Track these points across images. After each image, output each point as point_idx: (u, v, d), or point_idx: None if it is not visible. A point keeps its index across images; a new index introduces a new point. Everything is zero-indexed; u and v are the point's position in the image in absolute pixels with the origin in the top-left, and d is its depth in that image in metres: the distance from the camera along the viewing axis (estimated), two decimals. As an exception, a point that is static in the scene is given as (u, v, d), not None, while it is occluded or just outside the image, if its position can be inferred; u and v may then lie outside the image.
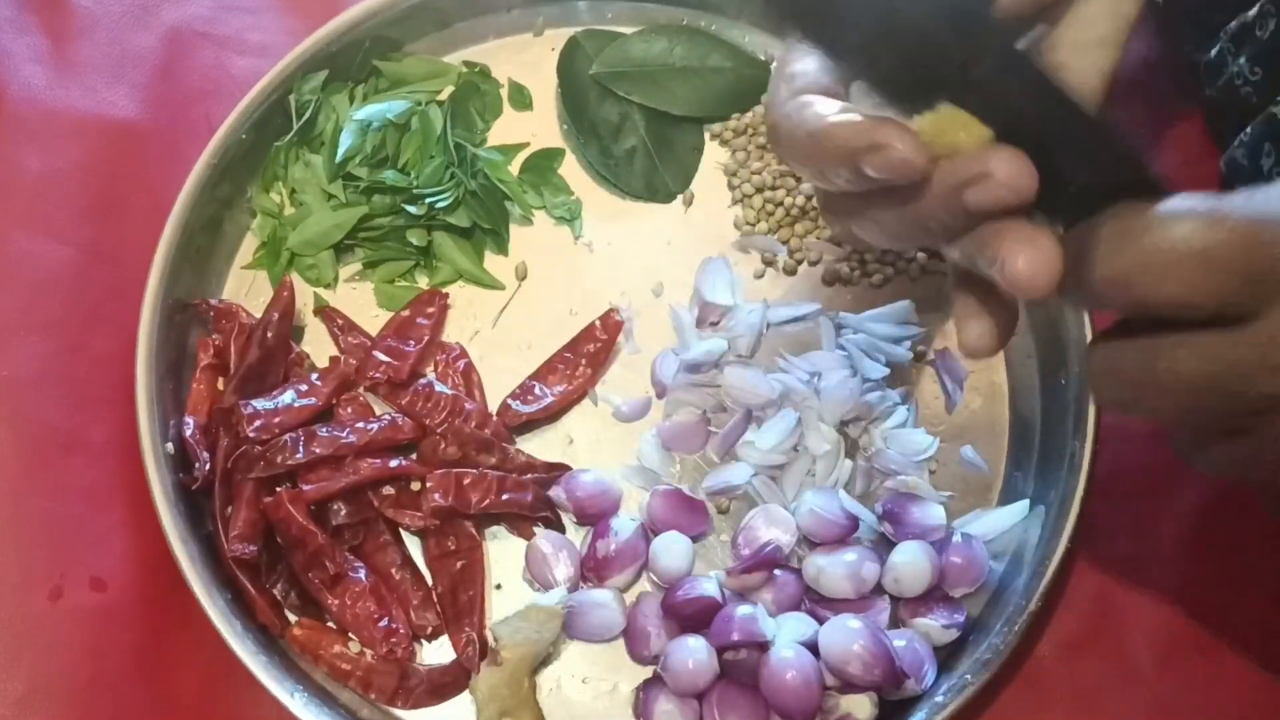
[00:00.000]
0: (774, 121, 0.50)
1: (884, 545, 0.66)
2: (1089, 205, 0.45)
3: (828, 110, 0.47)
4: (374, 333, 0.73)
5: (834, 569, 0.64)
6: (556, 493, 0.68)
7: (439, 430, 0.69)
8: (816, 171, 0.49)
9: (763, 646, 0.62)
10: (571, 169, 0.78)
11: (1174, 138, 0.76)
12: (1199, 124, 0.76)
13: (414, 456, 0.69)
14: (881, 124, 0.44)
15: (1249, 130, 0.68)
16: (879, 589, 0.65)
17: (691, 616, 0.64)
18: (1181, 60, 0.75)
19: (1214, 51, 0.72)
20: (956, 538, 0.65)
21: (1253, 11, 0.69)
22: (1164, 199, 0.42)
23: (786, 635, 0.63)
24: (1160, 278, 0.41)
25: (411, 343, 0.71)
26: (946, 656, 0.65)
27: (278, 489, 0.66)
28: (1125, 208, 0.43)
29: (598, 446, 0.71)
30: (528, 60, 0.80)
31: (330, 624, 0.66)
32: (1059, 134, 0.45)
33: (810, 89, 0.49)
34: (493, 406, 0.71)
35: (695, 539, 0.67)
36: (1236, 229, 0.40)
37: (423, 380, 0.70)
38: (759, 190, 0.76)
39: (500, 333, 0.74)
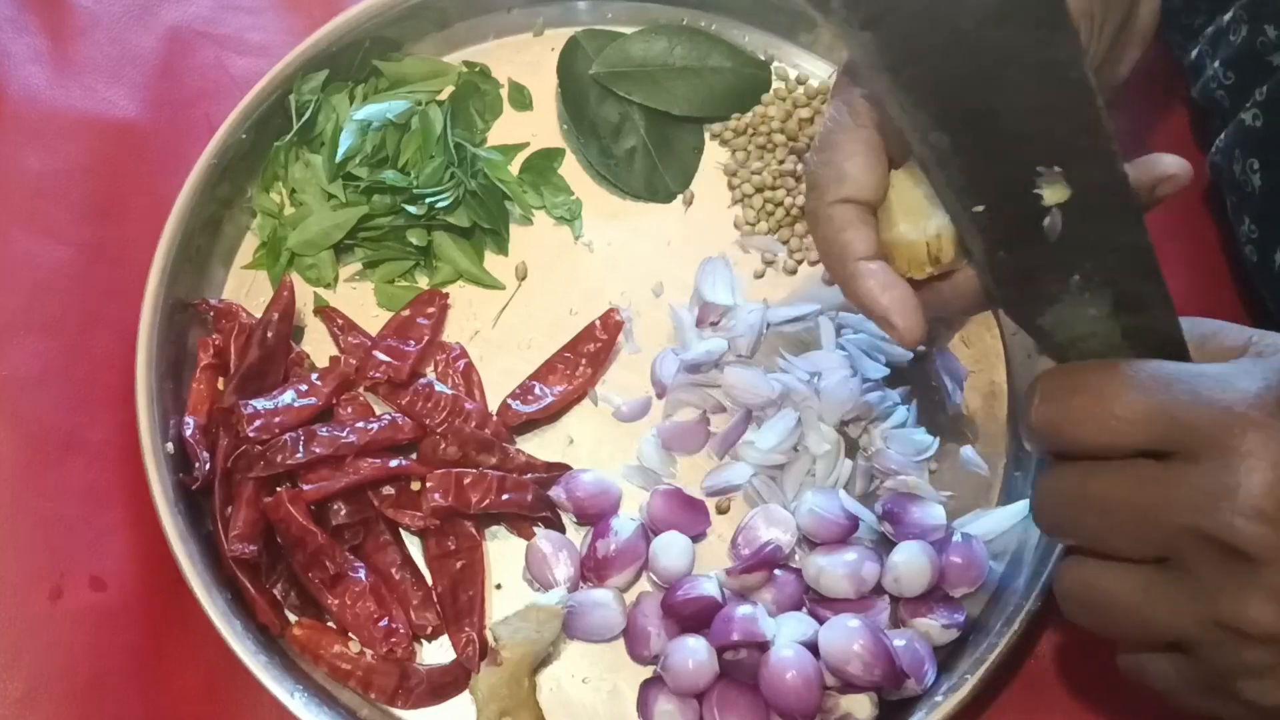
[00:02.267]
0: (814, 215, 0.52)
1: (884, 545, 0.66)
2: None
3: (860, 249, 0.50)
4: (374, 333, 0.73)
5: (834, 569, 0.64)
6: (556, 493, 0.68)
7: (439, 430, 0.69)
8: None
9: (763, 646, 0.62)
10: (571, 169, 0.78)
11: (1163, 136, 0.77)
12: (1188, 122, 0.76)
13: (414, 456, 0.69)
14: (891, 302, 0.49)
15: (1223, 136, 0.68)
16: (879, 589, 0.65)
17: (691, 616, 0.64)
18: (1170, 59, 0.75)
19: (1194, 53, 0.73)
20: (956, 538, 0.65)
21: (1227, 16, 0.69)
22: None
23: (786, 635, 0.63)
24: (1080, 426, 0.45)
25: (411, 343, 0.71)
26: (946, 656, 0.65)
27: (278, 489, 0.66)
28: (1068, 365, 0.47)
29: (598, 446, 0.71)
30: (528, 60, 0.80)
31: (330, 624, 0.66)
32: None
33: (855, 197, 0.50)
34: (493, 406, 0.71)
35: (695, 539, 0.67)
36: (1141, 396, 0.43)
37: (423, 380, 0.70)
38: (759, 190, 0.76)
39: (500, 333, 0.74)
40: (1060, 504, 0.47)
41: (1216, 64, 0.70)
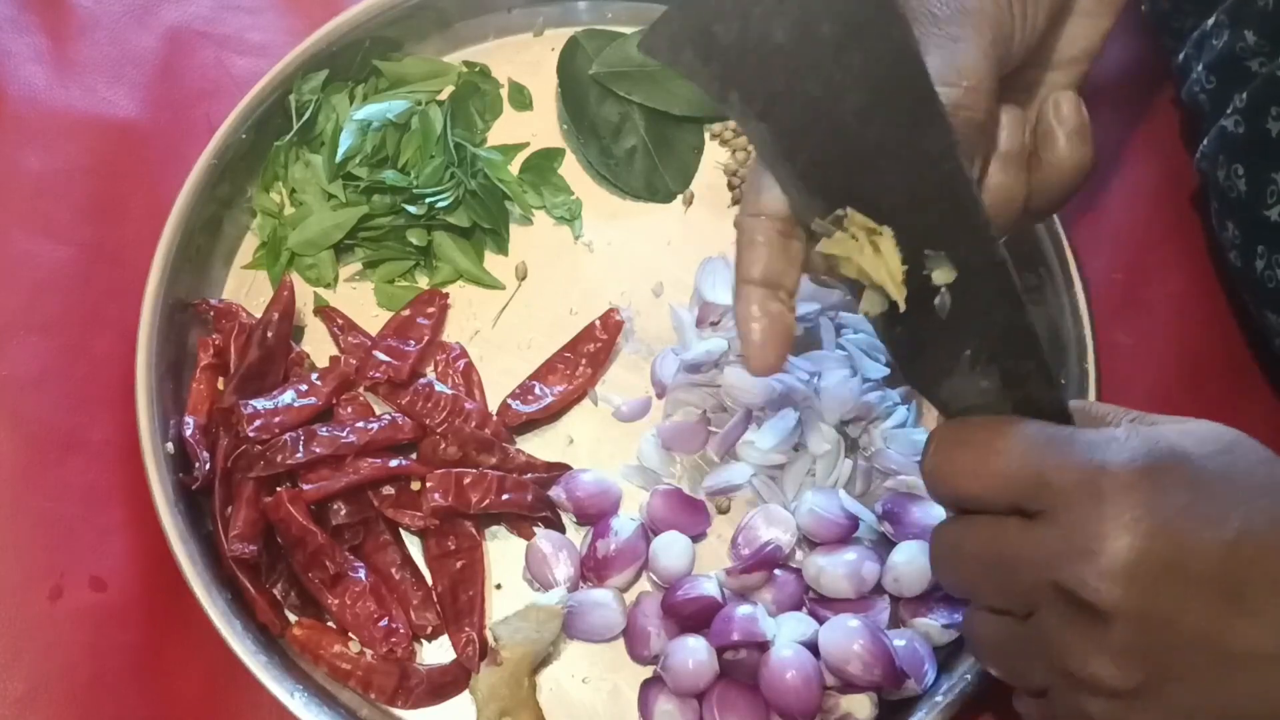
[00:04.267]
0: (736, 221, 0.53)
1: (884, 545, 0.66)
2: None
3: (749, 271, 0.51)
4: (374, 333, 0.73)
5: (834, 569, 0.64)
6: (556, 493, 0.68)
7: (439, 430, 0.69)
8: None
9: (763, 646, 0.62)
10: (571, 169, 0.78)
11: (1154, 137, 0.77)
12: (1178, 123, 0.76)
13: (414, 456, 0.69)
14: (753, 331, 0.51)
15: (1207, 140, 0.68)
16: (879, 589, 0.65)
17: (691, 616, 0.64)
18: (1163, 60, 0.75)
19: (1181, 56, 0.73)
20: (956, 538, 0.65)
21: (1210, 20, 0.69)
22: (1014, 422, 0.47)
23: (786, 635, 0.63)
24: (960, 477, 0.47)
25: (411, 343, 0.71)
26: (946, 656, 0.65)
27: (278, 489, 0.66)
28: (961, 421, 0.49)
29: (598, 446, 0.71)
30: (528, 60, 0.80)
31: (330, 624, 0.66)
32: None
33: (766, 211, 0.51)
34: (493, 406, 0.71)
35: (695, 539, 0.67)
36: (1016, 454, 0.46)
37: (423, 380, 0.70)
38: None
39: (500, 333, 0.74)
40: (943, 554, 0.49)
41: (1200, 68, 0.70)
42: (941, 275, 0.47)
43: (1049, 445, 0.45)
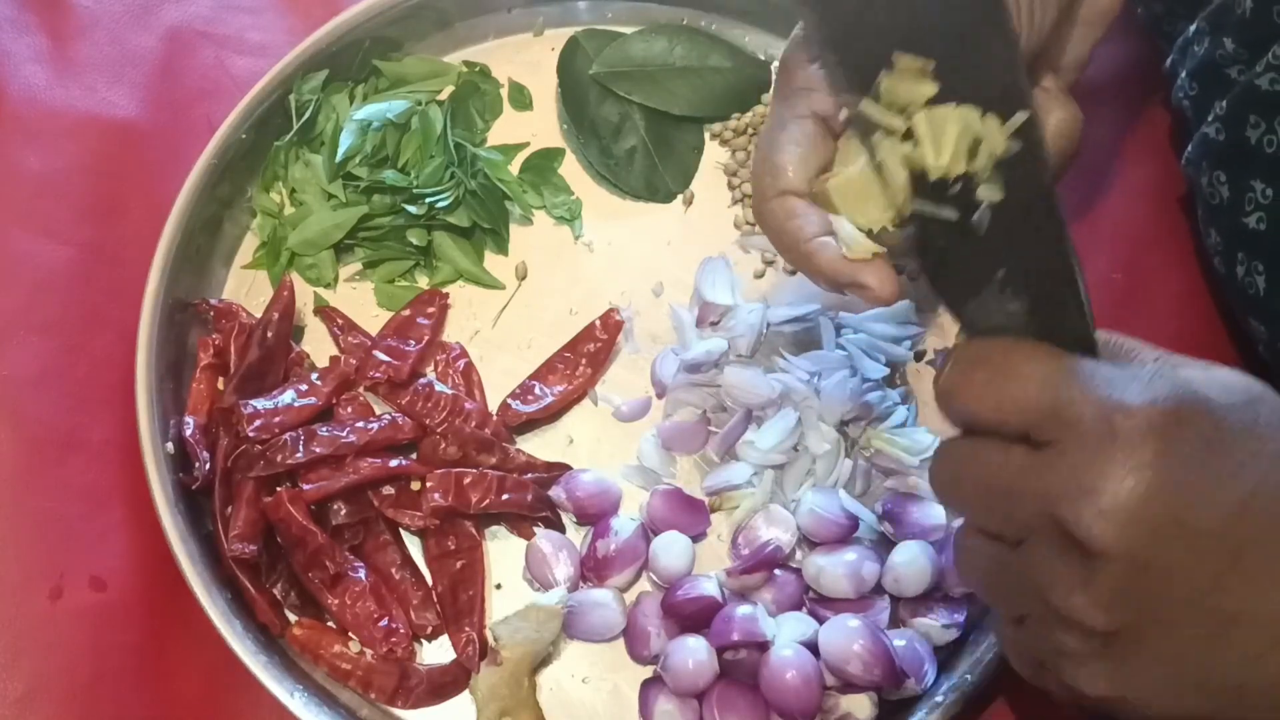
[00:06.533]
0: (759, 213, 0.53)
1: (884, 545, 0.66)
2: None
3: (809, 231, 0.51)
4: (374, 333, 0.73)
5: (834, 569, 0.64)
6: (556, 493, 0.68)
7: (439, 430, 0.69)
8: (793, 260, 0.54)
9: (763, 646, 0.62)
10: (571, 169, 0.78)
11: (1145, 140, 0.77)
12: (1169, 127, 0.76)
13: (414, 456, 0.69)
14: (861, 267, 0.49)
15: (1190, 146, 0.68)
16: (879, 589, 0.65)
17: (691, 616, 0.64)
18: (1156, 64, 0.76)
19: (1169, 61, 0.73)
20: (956, 537, 0.65)
21: (1193, 27, 0.69)
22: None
23: (786, 635, 0.63)
24: (975, 398, 0.46)
25: (411, 343, 0.71)
26: (946, 656, 0.65)
27: (278, 489, 0.66)
28: (983, 340, 0.48)
29: (598, 446, 0.71)
30: (528, 60, 0.80)
31: (330, 624, 0.66)
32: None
33: (790, 189, 0.51)
34: (493, 406, 0.71)
35: (695, 539, 0.67)
36: (1034, 381, 0.45)
37: (423, 380, 0.70)
38: (751, 182, 0.76)
39: (500, 333, 0.74)
40: (946, 473, 0.48)
41: (1184, 74, 0.70)
42: (988, 191, 0.45)
43: (1069, 376, 0.44)
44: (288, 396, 0.68)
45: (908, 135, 0.47)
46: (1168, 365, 0.45)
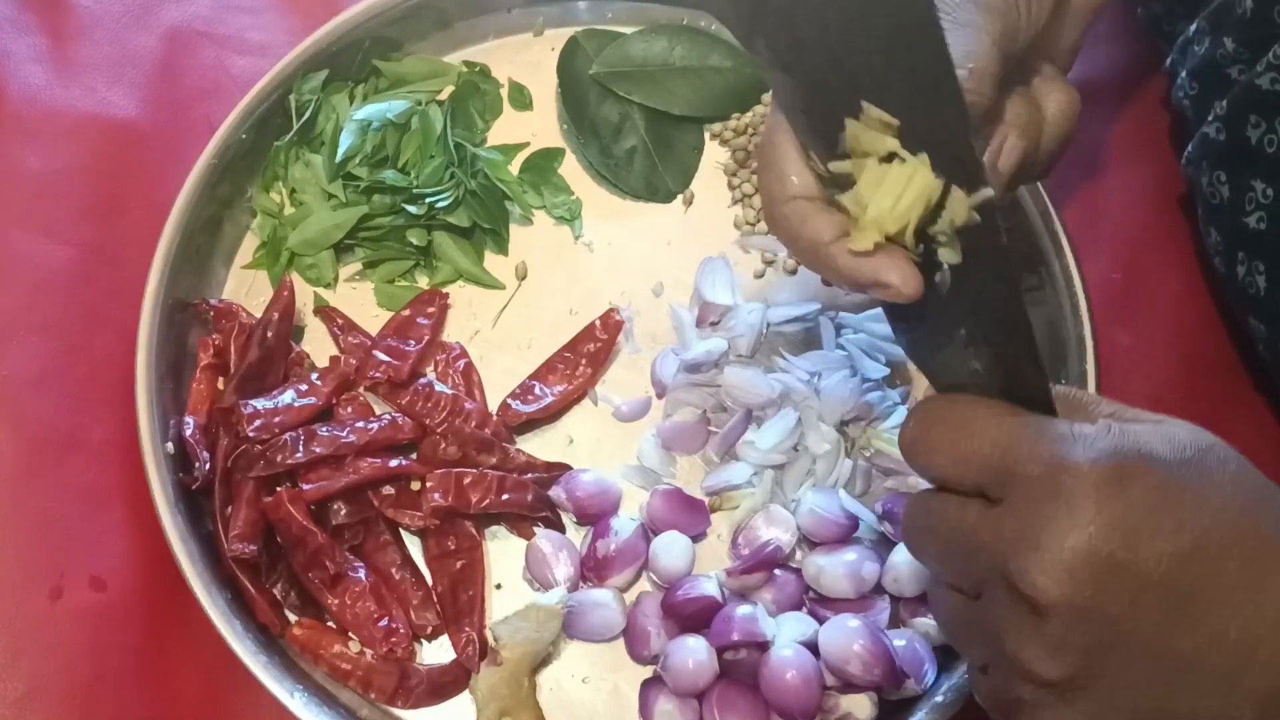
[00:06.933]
0: (771, 217, 0.53)
1: (884, 545, 0.66)
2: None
3: (827, 234, 0.51)
4: (374, 333, 0.73)
5: (834, 569, 0.64)
6: (556, 493, 0.68)
7: (439, 430, 0.69)
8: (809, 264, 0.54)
9: (763, 646, 0.62)
10: (571, 169, 0.78)
11: (1145, 140, 0.77)
12: (1169, 127, 0.76)
13: (414, 456, 0.69)
14: (879, 264, 0.48)
15: (1190, 146, 0.68)
16: (879, 589, 0.65)
17: (691, 616, 0.64)
18: (1157, 63, 0.76)
19: (1169, 60, 0.73)
20: (956, 538, 0.65)
21: (1193, 26, 0.69)
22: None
23: (786, 635, 0.63)
24: (935, 452, 0.47)
25: (411, 343, 0.71)
26: (946, 656, 0.65)
27: (278, 489, 0.66)
28: (944, 395, 0.50)
29: (598, 446, 0.71)
30: (528, 60, 0.80)
31: (330, 624, 0.66)
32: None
33: (801, 194, 0.52)
34: (493, 406, 0.71)
35: (695, 539, 0.67)
36: (988, 438, 0.46)
37: (423, 380, 0.70)
38: (759, 190, 0.76)
39: (500, 333, 0.74)
40: (911, 524, 0.50)
41: (1184, 74, 0.70)
42: (948, 255, 0.46)
43: (1020, 434, 0.45)
44: (288, 396, 0.68)
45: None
46: (1118, 421, 0.46)
